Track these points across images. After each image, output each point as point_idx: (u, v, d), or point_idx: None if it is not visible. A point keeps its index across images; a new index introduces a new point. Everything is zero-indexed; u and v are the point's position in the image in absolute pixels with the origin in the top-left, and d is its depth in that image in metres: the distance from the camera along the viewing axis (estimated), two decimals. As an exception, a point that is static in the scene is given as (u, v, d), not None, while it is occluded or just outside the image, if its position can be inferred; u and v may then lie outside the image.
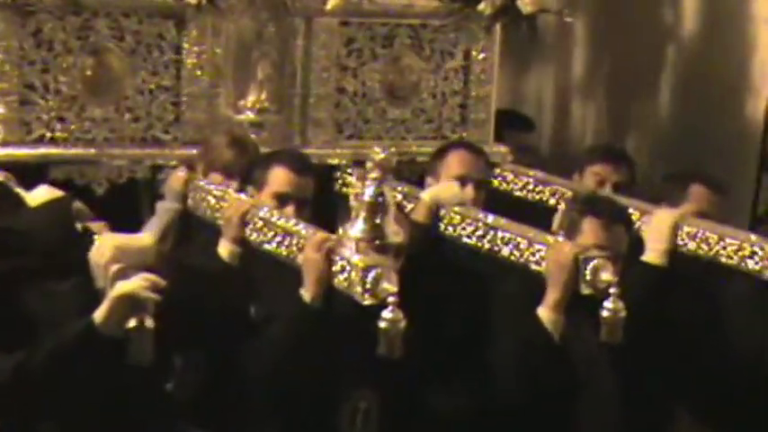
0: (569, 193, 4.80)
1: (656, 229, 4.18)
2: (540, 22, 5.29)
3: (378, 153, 3.45)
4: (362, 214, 3.47)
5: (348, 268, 3.49)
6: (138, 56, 4.72)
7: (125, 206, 4.71)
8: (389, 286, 3.36)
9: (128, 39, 4.62)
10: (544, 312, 3.73)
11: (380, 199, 3.45)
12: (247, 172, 4.47)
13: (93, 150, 4.71)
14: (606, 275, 3.63)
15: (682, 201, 4.53)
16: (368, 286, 3.41)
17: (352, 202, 3.54)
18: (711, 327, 4.14)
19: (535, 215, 4.49)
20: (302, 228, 3.83)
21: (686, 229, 4.23)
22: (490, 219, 4.12)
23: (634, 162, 5.02)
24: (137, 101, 4.75)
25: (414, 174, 5.12)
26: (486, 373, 3.74)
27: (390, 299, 3.32)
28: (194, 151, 4.74)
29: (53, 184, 4.45)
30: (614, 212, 3.98)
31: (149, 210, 4.69)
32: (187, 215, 4.53)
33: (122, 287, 3.16)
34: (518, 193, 5.07)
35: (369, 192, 3.46)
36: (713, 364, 4.09)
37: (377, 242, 3.46)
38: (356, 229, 3.49)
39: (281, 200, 4.22)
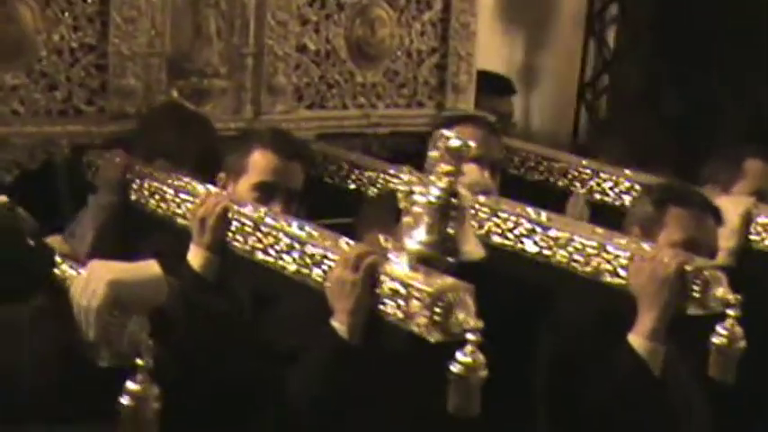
0: (585, 173, 3.96)
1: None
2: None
3: (449, 137, 2.52)
4: (426, 220, 2.54)
5: (403, 293, 2.57)
6: (55, 6, 3.71)
7: (40, 198, 3.63)
8: (467, 318, 2.46)
9: (42, -16, 3.56)
10: (638, 340, 2.87)
11: (453, 200, 2.53)
12: (200, 157, 3.57)
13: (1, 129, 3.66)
14: (722, 291, 2.79)
15: (733, 181, 3.73)
16: (436, 318, 2.49)
17: (407, 204, 2.61)
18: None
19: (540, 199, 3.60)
20: (316, 233, 2.89)
21: (761, 220, 3.42)
22: (542, 215, 3.22)
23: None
24: (53, 64, 3.74)
25: (386, 150, 4.22)
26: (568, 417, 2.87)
27: (469, 335, 2.42)
28: (125, 127, 3.77)
29: None
30: (703, 201, 3.17)
31: (72, 204, 3.66)
32: (129, 212, 3.53)
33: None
34: (514, 172, 4.20)
35: (436, 190, 2.53)
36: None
37: (446, 258, 2.54)
38: (416, 239, 2.56)
39: (265, 191, 3.36)
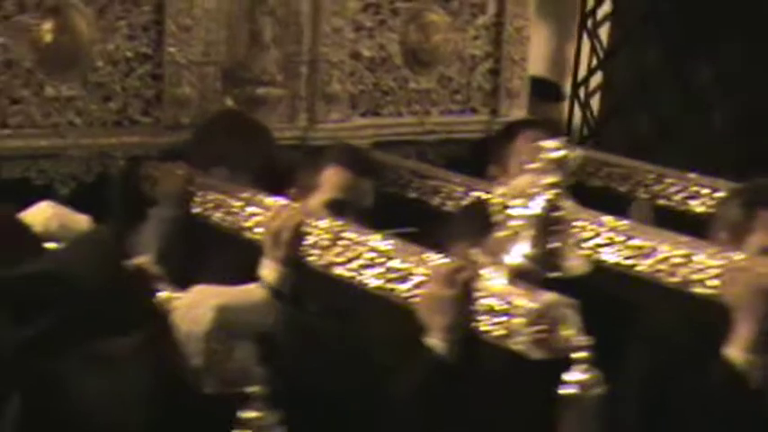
0: (649, 178, 3.88)
1: None
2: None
3: (553, 146, 2.43)
4: (527, 234, 2.46)
5: (502, 309, 2.48)
6: (110, 15, 3.63)
7: (95, 211, 3.55)
8: (575, 335, 2.37)
9: (96, -7, 3.49)
10: (735, 352, 2.78)
11: (556, 214, 2.44)
12: (261, 167, 3.51)
13: (55, 140, 3.58)
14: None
15: None
16: (539, 336, 2.40)
17: (503, 216, 2.52)
18: None
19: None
20: (400, 247, 2.81)
21: None
22: (624, 223, 3.14)
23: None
24: (108, 74, 3.66)
25: (441, 157, 4.15)
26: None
27: (579, 353, 2.33)
28: (181, 138, 3.70)
29: (4, 184, 3.47)
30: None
31: (128, 217, 3.56)
32: (192, 225, 3.43)
33: None
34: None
35: (538, 203, 2.45)
36: None
37: (548, 273, 2.45)
38: (517, 254, 2.47)
39: (336, 209, 3.25)
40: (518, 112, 4.33)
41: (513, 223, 2.50)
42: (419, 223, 3.54)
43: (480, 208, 2.76)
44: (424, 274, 2.70)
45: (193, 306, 2.26)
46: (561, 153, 2.42)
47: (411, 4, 4.11)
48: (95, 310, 2.18)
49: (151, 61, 3.69)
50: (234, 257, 3.24)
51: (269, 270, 3.07)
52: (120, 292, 2.21)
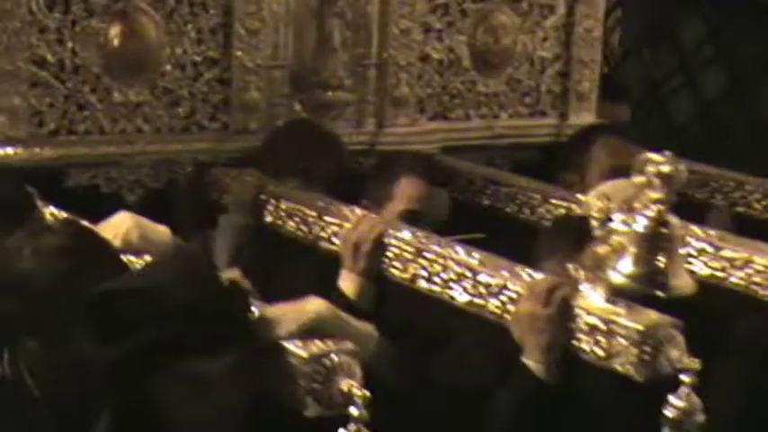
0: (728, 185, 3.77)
1: None
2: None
3: (660, 160, 2.33)
4: (633, 251, 2.36)
5: (604, 329, 2.39)
6: (178, 19, 3.57)
7: (163, 219, 3.47)
8: (681, 357, 2.28)
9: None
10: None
11: (663, 230, 2.34)
12: (332, 177, 3.43)
13: (123, 146, 3.52)
14: None
15: None
16: (644, 357, 2.31)
17: (604, 232, 2.42)
18: None
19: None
20: (489, 260, 2.71)
21: None
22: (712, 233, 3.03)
23: None
24: (176, 79, 3.59)
25: (509, 162, 4.05)
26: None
27: (683, 376, 2.24)
28: (250, 143, 3.62)
29: (72, 192, 3.41)
30: None
31: (196, 224, 3.47)
32: (263, 234, 3.35)
33: None
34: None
35: (644, 219, 2.35)
36: None
37: (655, 292, 2.36)
38: (620, 271, 2.38)
39: (412, 220, 3.18)
40: (587, 115, 4.23)
41: (615, 238, 2.40)
42: (493, 232, 3.44)
43: (576, 220, 2.66)
44: (517, 291, 2.60)
45: (293, 321, 2.18)
46: (670, 167, 2.31)
47: (480, 5, 4.02)
48: (188, 328, 2.10)
49: (219, 65, 3.62)
50: (309, 268, 3.18)
51: (348, 282, 2.99)
52: (214, 308, 2.13)
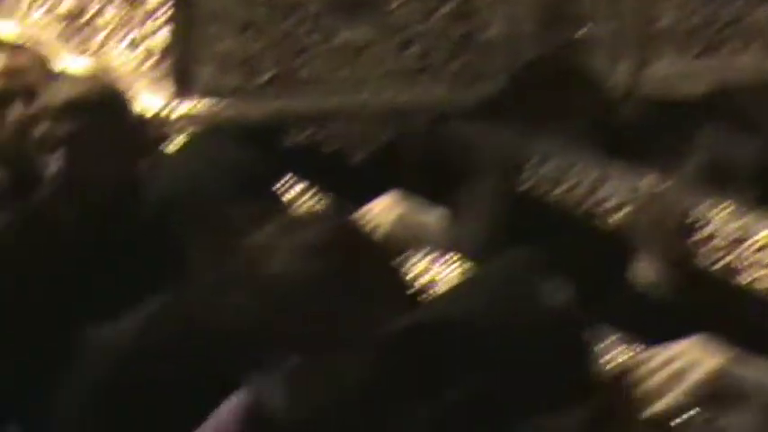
0: None
1: None
2: None
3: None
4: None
5: None
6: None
7: (391, 182, 3.00)
8: None
9: None
10: None
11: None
12: (590, 125, 3.05)
13: (345, 97, 3.17)
14: None
15: None
16: None
17: None
18: None
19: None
20: None
21: None
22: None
23: None
24: (405, 15, 3.18)
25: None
26: None
27: None
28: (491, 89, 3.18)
29: (288, 152, 3.10)
30: None
31: (434, 189, 2.98)
32: (521, 202, 2.92)
33: None
34: None
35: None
36: None
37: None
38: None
39: None
40: None
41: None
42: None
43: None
44: None
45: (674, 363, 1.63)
46: None
47: None
48: (522, 373, 1.57)
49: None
50: (578, 246, 2.69)
51: (646, 269, 2.50)
52: (556, 345, 1.59)
